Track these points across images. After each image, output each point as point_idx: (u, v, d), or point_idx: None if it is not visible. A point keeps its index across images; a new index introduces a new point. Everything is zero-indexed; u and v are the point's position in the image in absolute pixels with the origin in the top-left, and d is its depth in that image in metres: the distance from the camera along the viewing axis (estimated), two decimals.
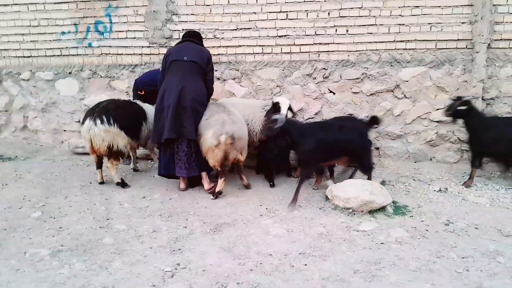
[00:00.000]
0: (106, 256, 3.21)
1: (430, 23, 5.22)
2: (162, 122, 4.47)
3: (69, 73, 6.10)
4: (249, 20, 5.54)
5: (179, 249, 3.34)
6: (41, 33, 6.01)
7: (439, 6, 5.16)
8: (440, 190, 4.66)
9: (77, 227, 3.73)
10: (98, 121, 4.50)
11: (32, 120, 6.31)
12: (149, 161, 5.76)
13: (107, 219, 3.91)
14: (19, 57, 6.15)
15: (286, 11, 5.44)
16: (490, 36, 5.09)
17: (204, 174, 4.58)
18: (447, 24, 5.19)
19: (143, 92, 5.35)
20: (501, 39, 5.12)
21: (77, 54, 6.02)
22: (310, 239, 3.47)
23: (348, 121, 4.72)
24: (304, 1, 5.38)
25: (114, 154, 4.68)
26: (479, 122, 4.63)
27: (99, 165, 4.79)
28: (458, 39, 5.21)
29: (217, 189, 4.46)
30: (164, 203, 4.32)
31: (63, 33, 5.97)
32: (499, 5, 5.04)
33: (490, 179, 5.04)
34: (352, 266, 3.05)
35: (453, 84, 5.33)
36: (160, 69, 4.73)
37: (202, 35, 5.02)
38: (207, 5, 5.59)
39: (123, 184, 4.76)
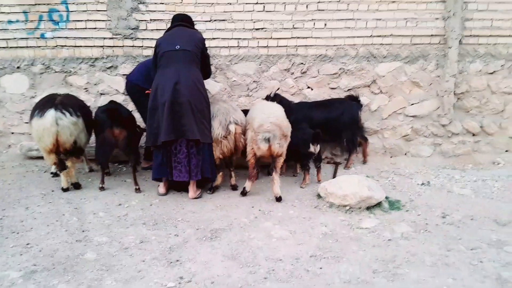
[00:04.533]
0: (93, 274, 2.76)
1: (406, 19, 5.26)
2: (157, 122, 4.02)
3: (18, 67, 5.36)
4: (224, 11, 5.23)
5: (177, 260, 2.97)
6: None
7: (414, 2, 5.22)
8: (423, 183, 4.68)
9: (49, 242, 3.21)
10: (66, 112, 4.00)
11: None
12: (116, 164, 5.21)
13: (83, 231, 3.42)
14: None
15: (263, 3, 5.21)
16: (461, 32, 5.24)
17: (192, 181, 4.13)
18: (422, 19, 5.26)
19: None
20: (471, 35, 5.29)
21: (27, 46, 5.31)
22: (316, 240, 3.26)
23: None
24: None
25: (77, 150, 4.22)
26: (288, 107, 4.68)
27: (63, 166, 4.20)
28: (432, 35, 5.30)
29: (214, 184, 4.31)
30: (145, 210, 3.89)
31: (9, 22, 5.24)
32: (469, 2, 5.20)
33: (464, 171, 5.19)
34: (369, 265, 2.89)
35: (427, 79, 5.42)
36: (152, 61, 4.23)
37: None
38: None
39: (78, 185, 4.35)
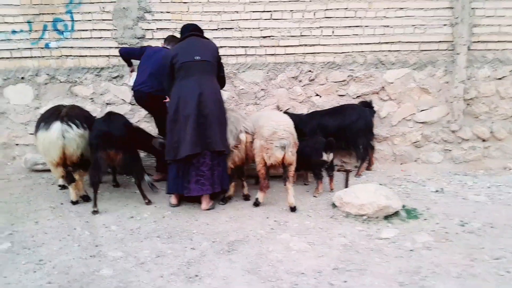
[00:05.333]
0: None
1: (414, 25, 5.25)
2: (177, 135, 3.91)
3: (22, 78, 5.29)
4: (231, 20, 5.20)
5: (196, 275, 2.89)
6: None
7: (422, 8, 5.22)
8: (437, 190, 4.63)
9: (62, 258, 3.11)
10: (73, 125, 3.93)
11: None
12: (125, 175, 5.10)
13: (96, 246, 3.32)
14: None
15: (270, 11, 5.18)
16: (470, 38, 5.23)
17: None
18: (430, 26, 5.25)
19: (168, 99, 4.27)
20: (479, 41, 5.28)
21: (32, 57, 5.24)
22: (336, 252, 3.19)
23: None
24: (289, 1, 5.16)
25: (84, 163, 4.11)
26: (299, 122, 4.69)
27: (71, 179, 4.10)
28: (440, 41, 5.29)
29: (227, 194, 4.23)
30: (158, 222, 3.80)
31: (13, 32, 5.17)
32: (476, 8, 5.20)
33: (476, 177, 5.15)
34: (394, 278, 2.81)
35: (436, 86, 5.40)
36: (165, 73, 4.10)
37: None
38: (184, 3, 5.15)
39: (87, 198, 4.26)
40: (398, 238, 3.43)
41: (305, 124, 4.74)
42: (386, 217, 3.76)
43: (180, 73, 3.96)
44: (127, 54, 4.71)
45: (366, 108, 5.05)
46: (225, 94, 5.36)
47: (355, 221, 3.76)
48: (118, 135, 3.96)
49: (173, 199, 4.15)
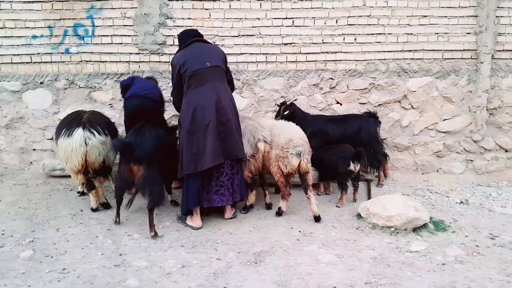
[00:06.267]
0: None
1: (437, 33, 5.17)
2: (196, 146, 3.69)
3: (41, 83, 5.26)
4: (253, 26, 5.14)
5: (225, 287, 2.81)
6: (6, 37, 5.13)
7: (446, 16, 5.13)
8: (462, 202, 4.53)
9: (86, 267, 3.06)
10: (95, 131, 3.87)
11: None
12: None
13: (120, 255, 3.26)
14: None
15: (292, 18, 5.12)
16: (494, 47, 5.13)
17: None
18: (453, 34, 5.17)
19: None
20: (503, 50, 5.18)
21: (51, 61, 5.20)
22: (367, 265, 3.10)
23: None
24: (311, 8, 5.10)
25: (105, 170, 4.08)
26: (302, 120, 4.66)
27: (92, 186, 4.04)
28: (464, 50, 5.20)
29: (248, 203, 4.14)
30: (181, 231, 3.73)
31: (34, 36, 5.15)
32: (501, 16, 5.12)
33: (500, 189, 5.04)
34: None
35: (459, 95, 5.30)
36: (173, 83, 3.93)
37: None
38: (206, 9, 5.10)
39: (107, 205, 4.18)
40: (428, 251, 3.34)
41: (308, 124, 4.62)
42: (415, 229, 3.66)
43: (191, 82, 3.75)
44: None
45: (370, 119, 4.90)
46: (245, 101, 5.34)
47: (382, 232, 3.67)
48: (146, 150, 3.56)
49: (197, 220, 3.80)
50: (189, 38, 3.94)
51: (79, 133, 3.84)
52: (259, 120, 4.28)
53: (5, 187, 4.73)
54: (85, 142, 3.84)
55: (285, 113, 4.70)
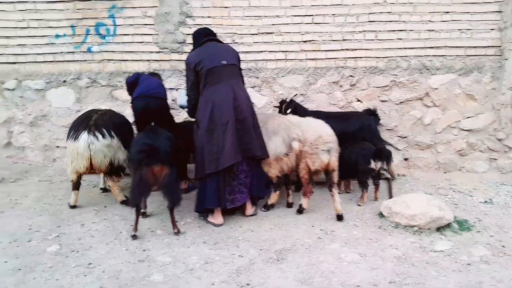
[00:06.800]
0: None
1: (460, 30, 5.08)
2: (216, 145, 3.70)
3: (64, 81, 5.36)
4: (272, 24, 5.14)
5: (248, 284, 2.83)
6: (30, 36, 5.25)
7: (469, 12, 5.04)
8: (486, 201, 4.44)
9: (111, 262, 3.11)
10: (99, 135, 3.91)
11: (18, 136, 5.46)
12: None
13: (144, 250, 3.31)
14: (2, 63, 5.31)
15: (312, 15, 5.10)
16: None
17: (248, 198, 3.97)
18: (477, 30, 5.07)
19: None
20: None
21: (74, 60, 5.31)
22: (391, 264, 3.07)
23: None
24: (332, 5, 5.07)
25: (115, 170, 4.11)
26: (303, 115, 4.53)
27: (77, 186, 4.13)
28: (487, 46, 5.10)
29: (270, 202, 4.12)
30: (203, 228, 3.76)
31: (57, 36, 5.25)
32: None
33: None
34: None
35: (482, 92, 5.20)
36: (190, 81, 3.91)
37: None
38: (225, 7, 5.13)
39: (127, 202, 4.15)
40: (453, 251, 3.29)
41: None
42: (438, 229, 3.61)
43: (208, 80, 3.76)
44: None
45: (370, 117, 4.81)
46: (264, 99, 5.35)
47: (405, 232, 3.62)
48: (165, 150, 3.58)
49: (219, 217, 3.81)
50: (202, 37, 3.97)
51: (83, 137, 3.89)
52: (289, 118, 4.24)
53: (30, 183, 4.85)
54: (89, 147, 3.89)
55: (288, 111, 4.68)
